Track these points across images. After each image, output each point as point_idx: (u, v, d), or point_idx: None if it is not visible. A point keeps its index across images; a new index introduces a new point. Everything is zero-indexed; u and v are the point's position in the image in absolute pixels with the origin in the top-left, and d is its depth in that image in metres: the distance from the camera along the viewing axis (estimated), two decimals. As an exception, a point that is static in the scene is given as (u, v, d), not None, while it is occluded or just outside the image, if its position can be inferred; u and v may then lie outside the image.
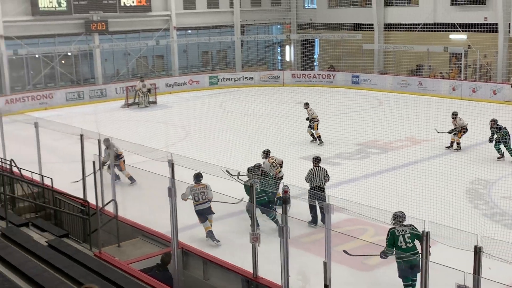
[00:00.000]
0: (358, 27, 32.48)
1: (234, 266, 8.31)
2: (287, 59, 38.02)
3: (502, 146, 16.26)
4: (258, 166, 12.31)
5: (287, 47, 37.73)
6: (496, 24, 27.48)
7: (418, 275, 7.36)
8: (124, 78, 32.08)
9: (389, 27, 32.52)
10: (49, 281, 6.81)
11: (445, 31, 29.57)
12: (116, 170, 13.96)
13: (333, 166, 15.64)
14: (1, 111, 15.47)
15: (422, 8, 30.60)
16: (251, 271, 7.89)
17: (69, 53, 30.50)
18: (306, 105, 19.73)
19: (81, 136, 10.27)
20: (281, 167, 13.42)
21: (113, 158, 10.86)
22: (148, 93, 27.62)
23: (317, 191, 11.82)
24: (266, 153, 13.52)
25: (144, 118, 25.03)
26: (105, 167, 12.14)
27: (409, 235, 8.47)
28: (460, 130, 17.48)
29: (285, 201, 6.60)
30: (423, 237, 5.66)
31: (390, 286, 9.56)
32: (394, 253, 8.56)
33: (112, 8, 30.23)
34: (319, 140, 18.94)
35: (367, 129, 18.23)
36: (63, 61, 30.41)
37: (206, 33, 34.78)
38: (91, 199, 9.87)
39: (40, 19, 28.35)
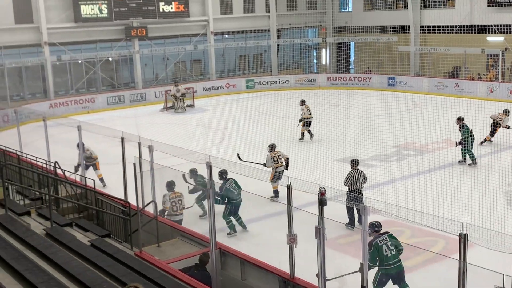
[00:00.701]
0: (394, 29, 32.13)
1: (271, 267, 8.31)
2: (323, 62, 37.85)
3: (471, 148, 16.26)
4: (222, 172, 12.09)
5: (323, 50, 37.57)
6: (535, 24, 26.85)
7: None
8: (163, 82, 32.46)
9: (425, 29, 32.09)
10: (92, 279, 6.92)
11: (482, 32, 28.98)
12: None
13: (369, 168, 15.49)
14: (46, 115, 15.81)
15: (458, 10, 30.09)
16: (288, 271, 7.88)
17: (110, 59, 30.99)
18: (302, 102, 20.56)
19: (122, 139, 10.42)
20: (287, 163, 14.12)
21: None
22: (182, 98, 27.56)
23: (355, 194, 11.78)
24: (272, 147, 14.47)
25: (182, 121, 25.26)
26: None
27: (390, 242, 8.46)
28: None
29: (321, 202, 6.57)
30: (461, 239, 5.56)
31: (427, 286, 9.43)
32: (377, 265, 8.44)
33: (152, 14, 30.66)
34: (302, 136, 20.05)
35: (403, 131, 17.99)
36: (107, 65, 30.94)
37: (243, 38, 34.92)
38: (131, 200, 10.02)
39: (82, 25, 28.94)
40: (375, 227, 8.73)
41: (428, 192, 13.12)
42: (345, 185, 12.20)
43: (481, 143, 17.81)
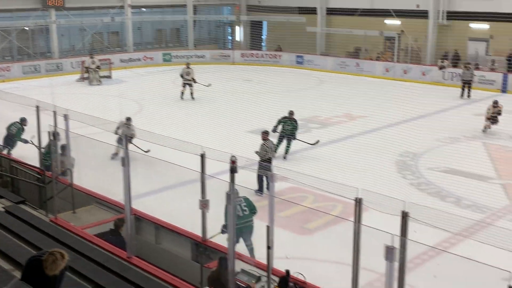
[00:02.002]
0: (303, 11, 32.47)
1: (184, 231, 8.30)
2: (237, 39, 37.72)
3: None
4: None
5: (237, 28, 37.42)
6: (427, 11, 28.03)
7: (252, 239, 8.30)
8: (80, 53, 31.13)
9: (331, 11, 32.64)
10: (7, 245, 6.63)
11: (381, 16, 29.96)
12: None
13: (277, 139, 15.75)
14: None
15: (361, -6, 30.85)
16: (200, 235, 7.90)
17: (26, 28, 29.33)
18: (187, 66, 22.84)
19: (37, 107, 9.93)
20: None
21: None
22: (97, 70, 26.24)
23: (266, 163, 11.97)
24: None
25: (99, 91, 24.42)
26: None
27: (244, 204, 8.86)
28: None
29: (232, 170, 6.60)
30: (356, 203, 5.77)
31: (326, 248, 9.78)
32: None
33: (69, -15, 29.21)
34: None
35: (309, 106, 18.39)
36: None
37: (160, 12, 34.09)
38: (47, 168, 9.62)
39: (-3, -7, 27.14)
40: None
41: (330, 161, 13.53)
42: (259, 155, 12.35)
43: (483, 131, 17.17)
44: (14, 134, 13.90)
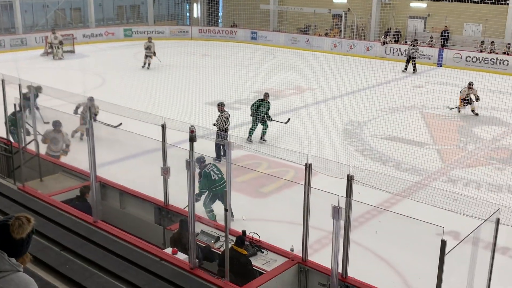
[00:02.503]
0: (257, -11, 32.11)
1: (147, 196, 8.24)
2: (195, 15, 37.06)
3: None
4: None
5: (195, 5, 36.73)
6: (371, -9, 28.19)
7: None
8: (43, 28, 29.93)
9: (283, -10, 32.44)
10: (-25, 213, 6.43)
11: (329, -5, 29.97)
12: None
13: (234, 111, 15.67)
14: None
15: (311, -26, 30.71)
16: (163, 200, 7.87)
17: (-12, 4, 27.95)
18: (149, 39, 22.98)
19: (2, 81, 9.54)
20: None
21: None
22: (60, 45, 25.27)
23: (223, 132, 11.95)
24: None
25: (63, 66, 23.65)
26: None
27: (215, 168, 9.08)
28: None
29: (191, 139, 6.56)
30: (306, 168, 5.86)
31: (279, 210, 9.92)
32: (208, 191, 9.02)
33: (30, -39, 27.85)
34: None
35: (263, 79, 18.32)
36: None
37: (121, -11, 33.05)
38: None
39: (-43, -31, 25.63)
40: (201, 162, 9.12)
41: (282, 131, 13.59)
42: (216, 125, 12.31)
43: (452, 108, 16.64)
44: None
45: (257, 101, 13.96)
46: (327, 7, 29.48)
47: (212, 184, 9.01)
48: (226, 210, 5.77)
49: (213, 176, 9.04)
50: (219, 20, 36.59)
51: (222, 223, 6.74)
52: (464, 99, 16.42)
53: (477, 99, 16.22)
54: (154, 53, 22.65)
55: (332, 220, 5.27)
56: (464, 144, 13.82)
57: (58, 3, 30.41)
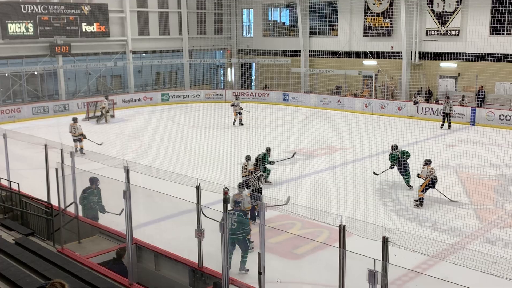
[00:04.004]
0: (288, 53, 32.98)
1: (181, 258, 8.20)
2: (229, 79, 38.07)
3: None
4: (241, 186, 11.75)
5: (229, 69, 37.82)
6: (400, 52, 28.51)
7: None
8: (85, 95, 31.22)
9: (313, 53, 33.13)
10: (16, 275, 6.51)
11: (359, 57, 30.43)
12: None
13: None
14: (-28, 123, 14.73)
15: (340, 38, 31.39)
16: (197, 262, 7.81)
17: (35, 73, 29.40)
18: (237, 98, 25.24)
19: (45, 146, 9.90)
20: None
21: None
22: (108, 110, 26.58)
23: (257, 193, 11.95)
24: (246, 158, 14.01)
25: (103, 130, 24.39)
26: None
27: (235, 219, 9.23)
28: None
29: (225, 200, 6.58)
30: (340, 230, 5.76)
31: (313, 272, 9.68)
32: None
33: (75, 33, 29.46)
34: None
35: (295, 139, 18.44)
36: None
37: (159, 56, 34.38)
38: (54, 201, 9.52)
39: (10, 42, 27.28)
40: (234, 203, 9.65)
41: (315, 190, 13.49)
42: (250, 185, 12.34)
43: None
44: None
45: (260, 156, 14.58)
46: (357, 69, 29.87)
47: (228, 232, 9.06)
48: (260, 273, 5.67)
49: (229, 225, 9.08)
50: (252, 83, 37.44)
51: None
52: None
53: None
54: (241, 108, 24.48)
55: (368, 284, 5.11)
56: (502, 203, 13.37)
57: (100, 71, 31.80)
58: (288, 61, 32.40)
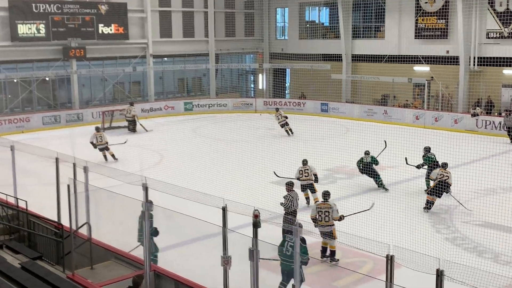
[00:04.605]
0: (327, 57, 32.95)
1: (205, 288, 8.21)
2: (260, 87, 38.26)
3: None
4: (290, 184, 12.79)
5: (260, 76, 38.02)
6: (457, 57, 28.14)
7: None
8: (100, 103, 31.82)
9: (357, 58, 33.06)
10: (21, 303, 6.64)
11: (409, 62, 30.19)
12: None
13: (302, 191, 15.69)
14: (-22, 134, 15.19)
15: (387, 41, 31.23)
16: (222, 293, 7.81)
17: (47, 78, 30.14)
18: (276, 110, 26.33)
19: (57, 159, 10.10)
20: (316, 177, 15.42)
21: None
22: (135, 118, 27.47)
23: (292, 216, 11.91)
24: (303, 162, 15.37)
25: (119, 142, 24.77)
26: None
27: (292, 244, 9.04)
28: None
29: (255, 224, 6.58)
30: (388, 260, 5.69)
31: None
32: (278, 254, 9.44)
33: (90, 35, 30.10)
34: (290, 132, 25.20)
35: (335, 155, 18.34)
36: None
37: (182, 61, 34.82)
38: (65, 221, 9.70)
39: (19, 44, 28.07)
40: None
41: (357, 214, 13.34)
42: (284, 207, 12.31)
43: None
44: None
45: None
46: (407, 76, 29.61)
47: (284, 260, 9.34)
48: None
49: (285, 250, 9.29)
50: (286, 91, 37.53)
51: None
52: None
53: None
54: (286, 117, 25.67)
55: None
56: None
57: (117, 77, 32.39)
58: (328, 66, 32.37)
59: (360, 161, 16.95)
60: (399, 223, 12.79)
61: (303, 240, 9.46)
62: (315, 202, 14.72)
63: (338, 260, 11.21)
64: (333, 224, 11.57)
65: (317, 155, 18.45)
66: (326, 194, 11.87)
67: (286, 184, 12.78)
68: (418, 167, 16.60)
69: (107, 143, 20.84)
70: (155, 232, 10.39)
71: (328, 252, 11.44)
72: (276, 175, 15.98)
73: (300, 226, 8.28)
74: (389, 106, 30.48)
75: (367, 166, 16.66)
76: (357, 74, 32.72)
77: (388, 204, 14.24)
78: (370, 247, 7.45)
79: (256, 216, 6.68)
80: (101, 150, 20.79)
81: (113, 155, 20.86)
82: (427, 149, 16.66)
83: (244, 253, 6.68)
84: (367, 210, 12.09)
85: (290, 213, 12.20)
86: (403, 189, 16.32)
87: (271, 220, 11.30)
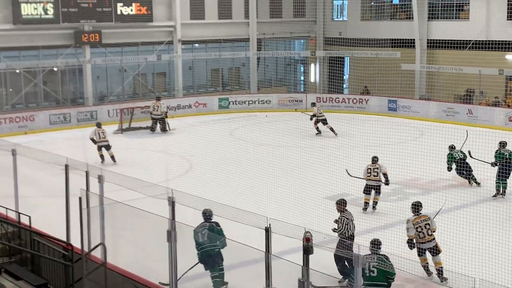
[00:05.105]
0: (397, 43, 32.62)
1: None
2: (311, 79, 38.17)
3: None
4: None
5: (312, 66, 37.93)
6: (562, 43, 27.52)
7: None
8: (118, 99, 32.24)
9: (434, 44, 32.63)
10: None
11: (501, 50, 29.61)
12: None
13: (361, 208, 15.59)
14: (-27, 135, 15.64)
15: (473, 23, 30.71)
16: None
17: (55, 69, 30.74)
18: (313, 104, 27.87)
19: (66, 166, 10.29)
20: (386, 178, 16.56)
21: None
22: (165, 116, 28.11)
23: (349, 241, 11.81)
24: (372, 159, 16.47)
25: (141, 146, 25.10)
26: None
27: (375, 263, 9.61)
28: None
29: (307, 250, 6.57)
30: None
31: None
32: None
33: (107, 17, 30.54)
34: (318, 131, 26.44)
35: (406, 165, 18.11)
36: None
37: (216, 48, 35.02)
38: (75, 242, 9.86)
39: (23, 28, 28.71)
40: (373, 244, 10.34)
41: (440, 239, 13.15)
42: (339, 232, 12.23)
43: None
44: None
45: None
46: (498, 67, 29.06)
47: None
48: None
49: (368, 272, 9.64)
50: (345, 85, 37.31)
51: None
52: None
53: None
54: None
55: None
56: None
57: (138, 67, 32.79)
58: (397, 54, 32.09)
59: (451, 158, 17.95)
60: (485, 250, 12.50)
61: (387, 258, 9.87)
62: (374, 202, 16.29)
63: (447, 279, 11.37)
64: (435, 237, 12.07)
65: (383, 165, 18.28)
66: (418, 206, 12.57)
67: (337, 203, 12.64)
68: (492, 164, 17.37)
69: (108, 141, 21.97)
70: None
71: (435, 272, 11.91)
72: (349, 174, 16.53)
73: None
74: (474, 104, 29.97)
75: (462, 163, 17.49)
76: (434, 64, 32.31)
77: (475, 229, 13.93)
78: (455, 282, 7.35)
79: (307, 240, 6.67)
80: (100, 148, 21.75)
81: (112, 157, 21.79)
82: (503, 144, 17.57)
83: (292, 284, 6.66)
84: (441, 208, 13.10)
85: (347, 238, 12.11)
86: (495, 209, 15.97)
87: (325, 244, 11.24)
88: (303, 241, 6.82)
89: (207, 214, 11.33)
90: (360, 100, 32.88)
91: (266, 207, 13.94)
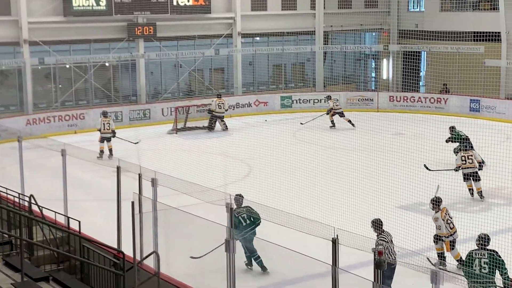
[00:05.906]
0: (480, 37, 31.98)
1: None
2: (384, 76, 37.84)
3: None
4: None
5: (384, 61, 37.60)
6: None
7: None
8: (173, 96, 32.56)
9: (524, 36, 31.95)
10: None
11: None
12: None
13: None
14: (21, 134, 16.02)
15: None
16: None
17: (106, 64, 31.27)
18: (329, 97, 29.37)
19: (118, 168, 10.45)
20: (480, 165, 17.95)
21: None
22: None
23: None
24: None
25: (197, 147, 25.28)
26: None
27: (486, 259, 9.80)
28: None
29: (379, 265, 6.51)
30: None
31: None
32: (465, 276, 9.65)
33: (162, 8, 30.91)
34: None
35: (489, 173, 17.77)
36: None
37: (279, 42, 35.03)
38: (127, 249, 10.00)
39: (73, 20, 29.33)
40: (481, 240, 10.40)
41: None
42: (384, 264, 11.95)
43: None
44: None
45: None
46: None
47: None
48: None
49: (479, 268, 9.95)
50: (421, 83, 36.84)
51: None
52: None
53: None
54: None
55: None
56: None
57: (195, 62, 33.07)
58: (481, 48, 31.54)
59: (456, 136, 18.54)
60: None
61: (497, 253, 10.12)
62: (478, 192, 17.43)
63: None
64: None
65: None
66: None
67: (373, 222, 12.06)
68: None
69: (113, 132, 23.18)
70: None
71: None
72: (427, 169, 17.25)
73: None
74: None
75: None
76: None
77: None
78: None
79: (380, 254, 6.61)
80: (102, 140, 22.88)
81: (110, 149, 22.97)
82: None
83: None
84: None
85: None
86: None
87: (399, 259, 11.11)
88: (374, 255, 6.76)
89: (240, 201, 12.48)
90: (439, 100, 32.38)
91: (332, 216, 13.85)
